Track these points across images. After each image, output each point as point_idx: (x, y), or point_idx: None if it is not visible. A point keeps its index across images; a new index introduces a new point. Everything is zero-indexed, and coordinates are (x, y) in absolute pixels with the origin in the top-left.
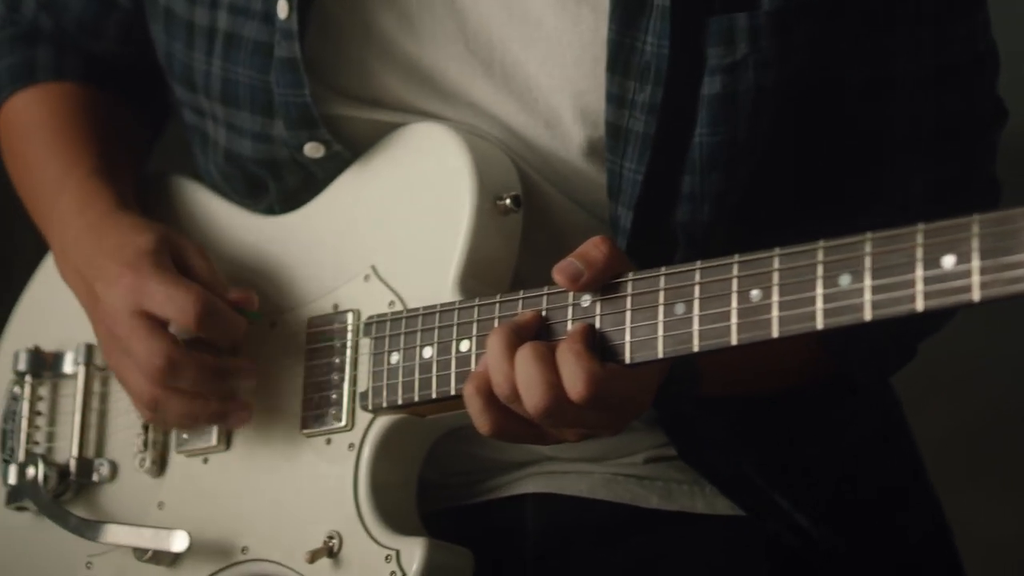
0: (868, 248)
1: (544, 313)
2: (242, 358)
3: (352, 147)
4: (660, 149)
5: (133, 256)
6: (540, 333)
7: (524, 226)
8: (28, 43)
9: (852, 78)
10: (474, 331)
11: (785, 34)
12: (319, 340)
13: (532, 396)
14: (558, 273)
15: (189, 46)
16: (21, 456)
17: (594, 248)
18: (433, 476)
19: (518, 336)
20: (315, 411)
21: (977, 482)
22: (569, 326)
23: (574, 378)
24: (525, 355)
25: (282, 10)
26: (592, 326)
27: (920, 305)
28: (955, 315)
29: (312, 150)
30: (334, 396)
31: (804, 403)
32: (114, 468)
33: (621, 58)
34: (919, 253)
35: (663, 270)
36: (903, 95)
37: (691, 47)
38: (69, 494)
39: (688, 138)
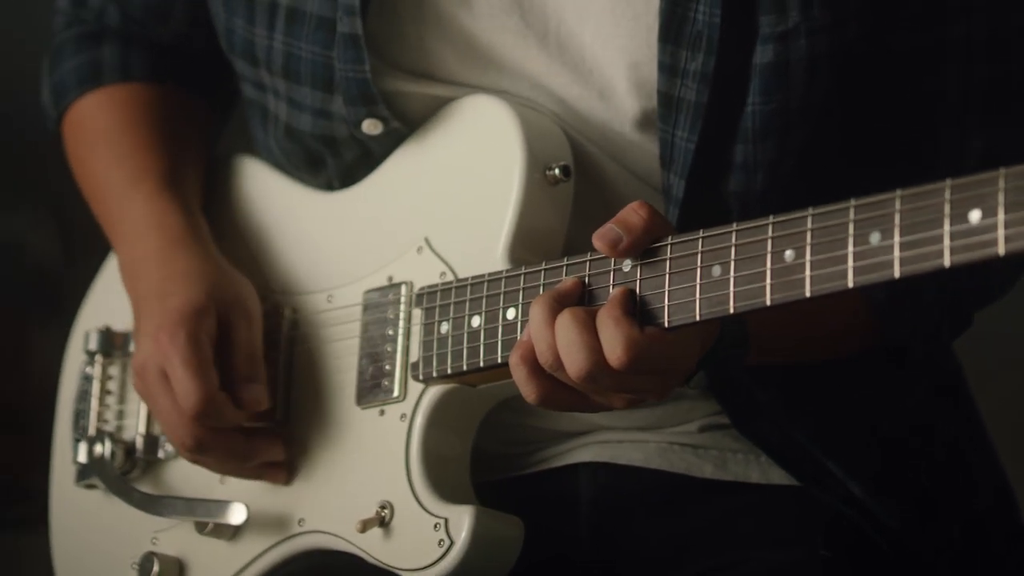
0: (897, 205)
1: (587, 279)
2: (267, 438)
3: (409, 123)
4: (712, 118)
5: (176, 315)
6: (582, 299)
7: (578, 196)
8: (94, 42)
9: (905, 44)
10: (520, 299)
11: (837, 1)
12: (374, 312)
13: (573, 361)
14: (598, 239)
15: (249, 21)
16: (91, 434)
17: (633, 213)
18: (490, 446)
19: (559, 303)
20: (369, 383)
21: None
22: (611, 291)
23: (613, 343)
24: (565, 321)
25: None
26: (632, 291)
27: (947, 260)
28: (1014, 285)
29: (370, 127)
30: (387, 367)
31: (859, 370)
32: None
33: (673, 27)
34: (947, 209)
35: (701, 233)
36: (956, 60)
37: (743, 16)
38: (137, 471)
39: (740, 107)
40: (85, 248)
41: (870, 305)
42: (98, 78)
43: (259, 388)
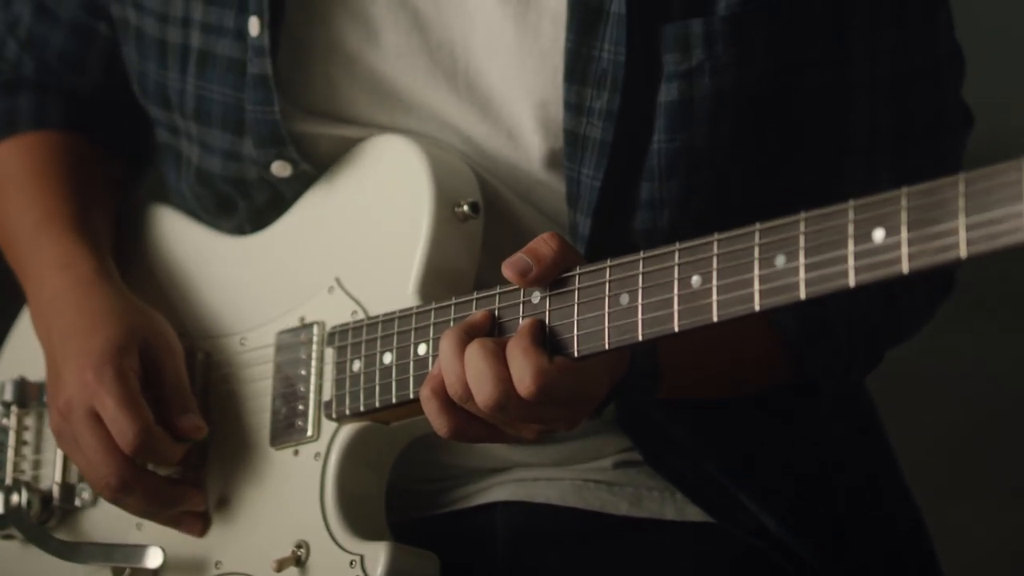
0: (802, 227)
1: (496, 312)
2: (191, 489)
3: (319, 166)
4: (618, 156)
5: (99, 354)
6: (492, 332)
7: (488, 235)
8: (9, 92)
9: (810, 83)
10: (431, 334)
11: (741, 39)
12: (286, 353)
13: (482, 391)
14: (507, 268)
15: (162, 65)
16: (8, 484)
17: (543, 244)
18: (404, 484)
19: (468, 335)
20: (283, 423)
21: (958, 491)
22: (520, 323)
23: (522, 373)
24: (474, 352)
25: (254, 27)
26: (541, 322)
27: (852, 280)
28: (926, 323)
29: (279, 168)
30: (301, 408)
31: (771, 405)
32: (95, 492)
33: (579, 67)
34: (850, 229)
35: (608, 262)
36: (862, 100)
37: (648, 54)
38: (54, 521)
39: (646, 145)
40: (4, 299)
41: (783, 342)
42: (12, 126)
43: (194, 417)
